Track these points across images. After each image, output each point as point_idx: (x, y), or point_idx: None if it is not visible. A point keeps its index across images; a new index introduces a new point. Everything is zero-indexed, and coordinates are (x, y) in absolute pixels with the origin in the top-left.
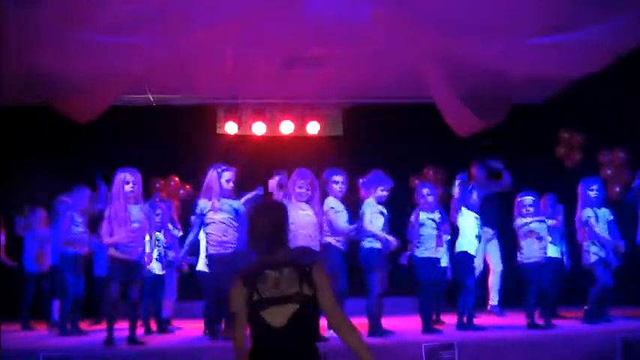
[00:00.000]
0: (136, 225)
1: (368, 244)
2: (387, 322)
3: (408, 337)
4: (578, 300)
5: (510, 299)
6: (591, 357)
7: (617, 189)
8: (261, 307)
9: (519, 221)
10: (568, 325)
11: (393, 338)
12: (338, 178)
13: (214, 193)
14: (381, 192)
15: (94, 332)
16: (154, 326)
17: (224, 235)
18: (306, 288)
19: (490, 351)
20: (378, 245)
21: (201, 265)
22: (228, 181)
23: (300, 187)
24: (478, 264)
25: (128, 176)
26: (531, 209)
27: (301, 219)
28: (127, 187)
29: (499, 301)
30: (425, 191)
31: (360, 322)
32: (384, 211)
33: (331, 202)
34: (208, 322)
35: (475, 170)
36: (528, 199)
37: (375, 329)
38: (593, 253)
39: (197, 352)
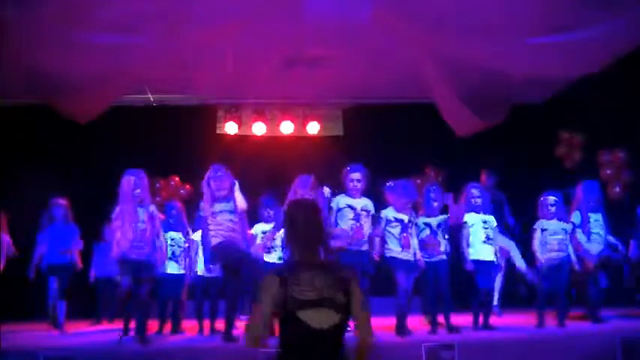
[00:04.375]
0: (141, 226)
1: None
2: (388, 322)
3: (408, 337)
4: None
5: (510, 299)
6: (591, 357)
7: (617, 189)
8: (297, 308)
9: (543, 223)
10: (568, 325)
11: (393, 338)
12: (355, 175)
13: (205, 198)
14: (407, 204)
15: (98, 332)
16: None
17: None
18: (341, 296)
19: (490, 351)
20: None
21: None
22: (208, 182)
23: (302, 194)
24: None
25: (136, 179)
26: (553, 209)
27: None
28: (137, 192)
29: (498, 301)
30: (432, 195)
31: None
32: (404, 219)
33: (336, 199)
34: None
35: (484, 177)
36: (551, 199)
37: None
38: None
39: (197, 352)
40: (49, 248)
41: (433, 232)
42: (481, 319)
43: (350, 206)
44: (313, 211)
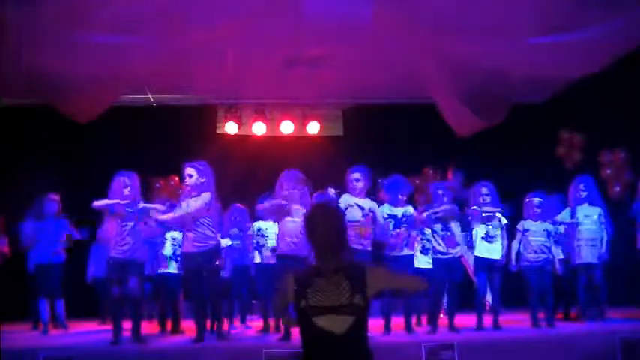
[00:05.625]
0: (129, 225)
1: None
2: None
3: (408, 337)
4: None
5: (510, 299)
6: (591, 357)
7: (617, 189)
8: (314, 314)
9: (526, 224)
10: (568, 325)
11: (393, 338)
12: (356, 175)
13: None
14: (400, 197)
15: (98, 332)
16: (169, 325)
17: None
18: (359, 298)
19: (490, 351)
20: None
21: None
22: (183, 178)
23: (287, 189)
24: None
25: (127, 180)
26: (539, 210)
27: (285, 226)
28: (126, 191)
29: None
30: (440, 192)
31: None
32: (399, 214)
33: (343, 198)
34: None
35: (451, 176)
36: (536, 200)
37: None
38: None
39: (197, 352)
40: (42, 245)
41: (446, 227)
42: (477, 318)
43: (358, 205)
44: (335, 216)
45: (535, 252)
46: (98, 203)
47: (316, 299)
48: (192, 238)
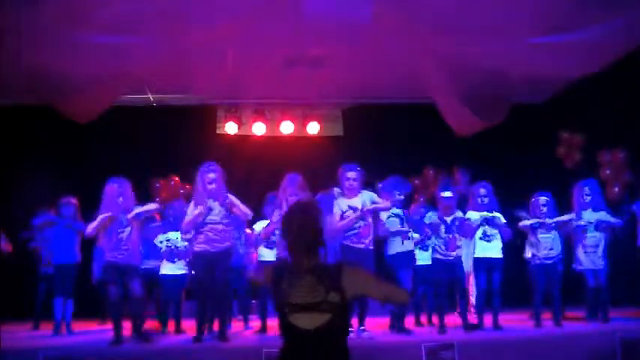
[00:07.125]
0: (126, 231)
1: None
2: (387, 322)
3: (408, 337)
4: (578, 300)
5: (511, 299)
6: (591, 357)
7: (617, 189)
8: (289, 311)
9: (532, 221)
10: (568, 325)
11: (393, 338)
12: (350, 174)
13: (198, 194)
14: (398, 196)
15: (98, 332)
16: (171, 326)
17: (212, 234)
18: (334, 296)
19: (490, 351)
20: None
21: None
22: (210, 182)
23: (291, 195)
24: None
25: (119, 187)
26: (545, 209)
27: None
28: (119, 200)
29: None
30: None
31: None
32: (400, 213)
33: (338, 203)
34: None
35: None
36: (543, 199)
37: (394, 326)
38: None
39: (197, 352)
40: (56, 247)
41: (449, 229)
42: (477, 318)
43: (352, 208)
44: (311, 213)
45: (545, 248)
46: (91, 228)
47: (291, 296)
48: (211, 238)
